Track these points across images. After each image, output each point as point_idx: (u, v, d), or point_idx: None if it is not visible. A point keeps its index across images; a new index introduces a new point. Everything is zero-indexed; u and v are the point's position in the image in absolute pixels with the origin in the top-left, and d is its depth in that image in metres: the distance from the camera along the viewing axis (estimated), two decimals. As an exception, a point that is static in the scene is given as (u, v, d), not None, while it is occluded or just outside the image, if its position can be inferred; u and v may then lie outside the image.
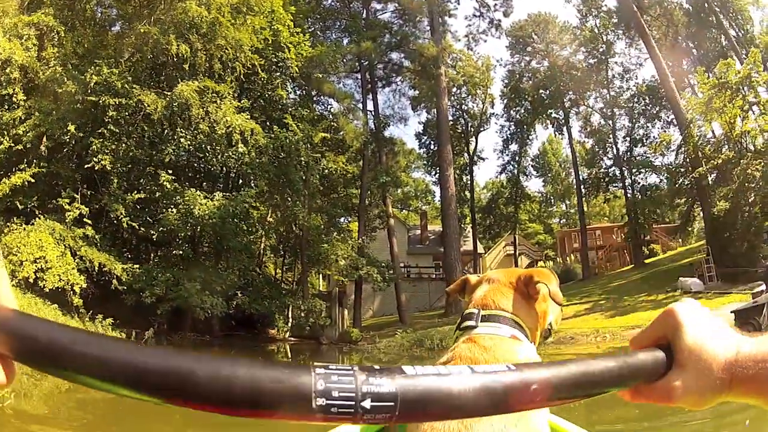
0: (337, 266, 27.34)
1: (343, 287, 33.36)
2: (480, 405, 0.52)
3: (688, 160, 27.78)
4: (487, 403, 0.53)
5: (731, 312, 13.14)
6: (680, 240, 39.64)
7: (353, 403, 0.47)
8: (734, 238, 23.66)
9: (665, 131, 34.43)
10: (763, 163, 22.18)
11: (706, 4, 33.06)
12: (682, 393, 0.62)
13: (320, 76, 28.28)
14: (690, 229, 34.19)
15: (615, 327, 19.45)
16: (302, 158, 24.57)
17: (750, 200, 23.42)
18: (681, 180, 29.90)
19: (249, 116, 23.35)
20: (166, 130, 22.11)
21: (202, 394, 0.44)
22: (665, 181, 36.75)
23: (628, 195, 38.13)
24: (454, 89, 40.19)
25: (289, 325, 25.89)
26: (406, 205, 56.94)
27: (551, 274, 1.38)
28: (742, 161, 23.50)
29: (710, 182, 26.59)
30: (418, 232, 45.18)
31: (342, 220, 31.95)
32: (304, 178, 25.12)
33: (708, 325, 0.65)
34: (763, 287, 15.28)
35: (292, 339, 25.91)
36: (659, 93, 35.14)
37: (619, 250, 41.50)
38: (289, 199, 26.01)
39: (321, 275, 35.31)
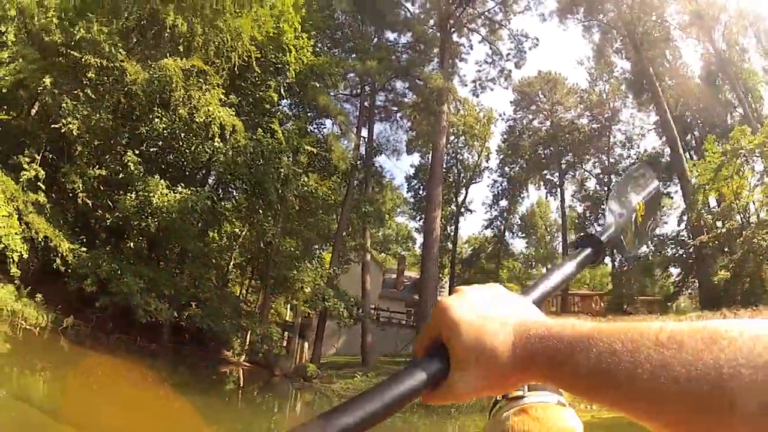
0: (302, 294, 25.39)
1: (308, 319, 31.32)
2: None
3: (689, 227, 27.83)
4: None
5: None
6: (658, 313, 39.05)
7: None
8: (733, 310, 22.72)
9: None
10: None
11: (718, 81, 32.77)
12: (466, 391, 0.58)
13: (317, 86, 26.53)
14: (670, 303, 33.98)
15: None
16: (282, 170, 22.76)
17: (751, 270, 22.98)
18: (677, 249, 30.06)
19: (234, 113, 21.79)
20: (143, 107, 20.67)
21: None
22: (653, 251, 36.08)
23: (615, 263, 36.99)
24: (452, 137, 39.58)
25: (246, 349, 24.08)
26: (385, 248, 55.49)
27: None
28: (744, 232, 23.33)
29: (710, 252, 26.13)
30: (394, 275, 43.90)
31: (315, 247, 30.19)
32: (280, 192, 23.26)
33: (486, 312, 0.59)
34: None
35: (246, 364, 23.83)
36: (660, 164, 34.56)
37: (599, 318, 39.81)
38: (261, 212, 24.29)
39: (288, 305, 33.17)
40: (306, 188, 25.05)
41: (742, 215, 25.00)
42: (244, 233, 26.62)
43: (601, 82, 40.18)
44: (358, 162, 30.18)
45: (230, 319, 22.23)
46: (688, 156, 34.62)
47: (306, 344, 28.69)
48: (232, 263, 27.54)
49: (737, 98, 31.53)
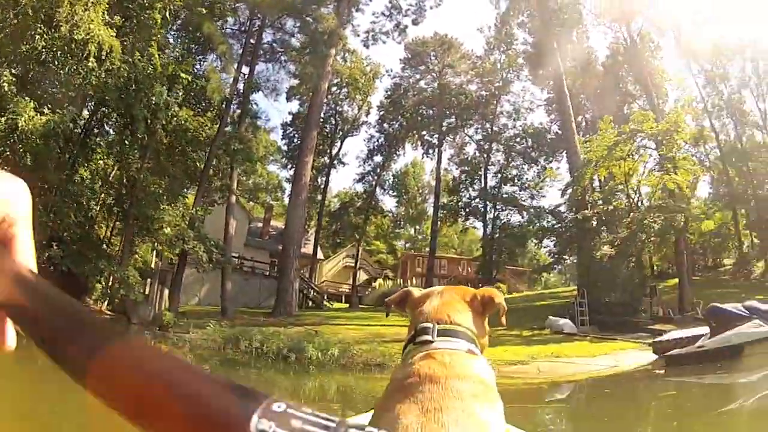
0: (163, 235, 23.61)
1: (172, 266, 29.08)
2: None
3: (572, 201, 28.04)
4: None
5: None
6: (527, 284, 40.74)
7: None
8: (615, 287, 23.81)
9: (540, 175, 35.07)
10: (663, 217, 22.25)
11: (622, 72, 33.93)
12: None
13: (204, 11, 24.34)
14: (538, 276, 35.50)
15: (488, 359, 17.42)
16: (154, 99, 21.02)
17: (637, 251, 23.99)
18: (556, 222, 30.62)
19: (115, 34, 19.90)
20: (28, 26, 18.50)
21: None
22: (528, 221, 37.65)
23: (488, 230, 37.77)
24: (335, 88, 38.65)
25: (107, 295, 22.25)
26: (254, 197, 53.19)
27: (502, 296, 1.48)
28: (633, 213, 23.97)
29: (592, 227, 26.51)
30: (260, 225, 42.11)
31: (181, 186, 27.76)
32: (150, 123, 21.53)
33: None
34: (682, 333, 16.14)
35: (108, 312, 21.85)
36: (545, 139, 35.45)
37: (464, 282, 40.92)
38: (128, 143, 22.32)
39: (155, 252, 30.78)
40: (177, 122, 23.53)
41: (631, 197, 25.71)
42: (113, 172, 24.57)
43: (498, 52, 40.05)
44: (234, 97, 28.62)
45: (92, 262, 20.48)
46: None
47: (167, 292, 26.80)
48: (99, 203, 25.17)
49: (644, 90, 32.38)
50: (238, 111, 29.87)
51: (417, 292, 1.52)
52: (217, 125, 27.40)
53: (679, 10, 33.33)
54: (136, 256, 26.14)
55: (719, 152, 33.69)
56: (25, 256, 0.49)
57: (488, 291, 1.45)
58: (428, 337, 1.25)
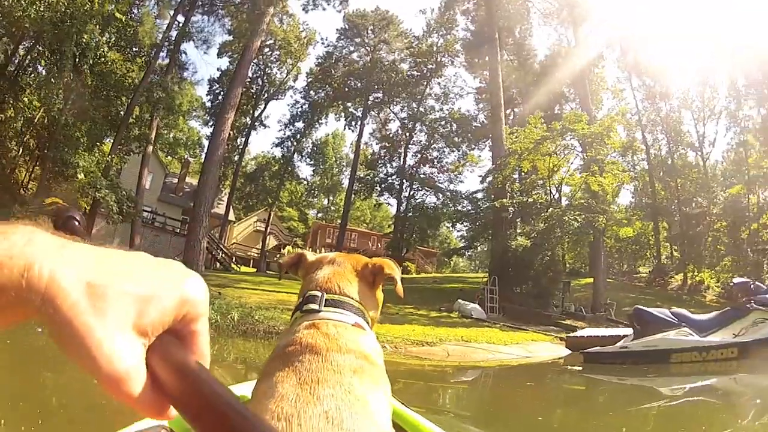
0: (77, 182, 22.49)
1: (86, 216, 27.58)
2: None
3: (491, 188, 28.32)
4: None
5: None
6: (435, 266, 41.41)
7: None
8: (528, 278, 24.09)
9: (460, 160, 35.74)
10: (584, 216, 22.58)
11: (559, 73, 34.86)
12: None
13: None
14: (447, 259, 36.19)
15: (395, 337, 16.88)
16: (85, 36, 20.32)
17: (552, 245, 24.20)
18: (472, 207, 30.84)
19: None
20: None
21: None
22: (443, 204, 37.97)
23: (401, 208, 38.12)
24: (267, 49, 37.88)
25: None
26: (173, 152, 51.20)
27: (396, 266, 1.43)
28: (552, 209, 24.30)
29: (510, 216, 27.08)
30: (176, 181, 40.83)
31: (100, 132, 26.40)
32: (78, 63, 20.72)
33: None
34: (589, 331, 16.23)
35: None
36: (470, 127, 35.97)
37: (372, 257, 41.47)
38: (54, 82, 20.92)
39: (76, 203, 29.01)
40: (105, 64, 22.91)
41: (551, 193, 26.41)
42: (39, 113, 23.21)
43: (436, 35, 40.27)
44: (165, 45, 27.66)
45: (6, 206, 19.32)
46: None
47: (76, 245, 25.39)
48: (21, 145, 24.00)
49: (578, 94, 33.01)
50: (167, 61, 28.72)
51: (311, 256, 1.50)
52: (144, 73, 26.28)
53: (630, 23, 34.49)
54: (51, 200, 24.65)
55: (647, 164, 35.42)
56: (203, 352, 0.51)
57: (380, 260, 1.43)
58: (315, 306, 1.24)
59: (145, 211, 29.77)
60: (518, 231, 25.51)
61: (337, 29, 43.67)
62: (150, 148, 28.15)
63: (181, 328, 0.49)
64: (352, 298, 1.28)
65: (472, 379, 12.77)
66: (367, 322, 1.27)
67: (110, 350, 0.40)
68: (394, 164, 41.09)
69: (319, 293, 1.26)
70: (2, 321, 0.42)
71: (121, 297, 0.43)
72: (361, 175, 42.18)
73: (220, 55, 37.55)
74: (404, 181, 39.60)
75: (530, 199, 25.61)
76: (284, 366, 1.05)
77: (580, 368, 13.96)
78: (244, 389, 1.68)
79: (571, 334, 17.19)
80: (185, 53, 34.33)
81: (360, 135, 41.78)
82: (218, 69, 40.76)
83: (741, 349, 11.71)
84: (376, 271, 1.38)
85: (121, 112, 26.12)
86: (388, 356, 14.06)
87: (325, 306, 1.23)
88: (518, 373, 13.67)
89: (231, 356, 11.55)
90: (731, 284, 18.30)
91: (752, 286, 13.04)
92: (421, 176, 40.14)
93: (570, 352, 16.00)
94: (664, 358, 12.38)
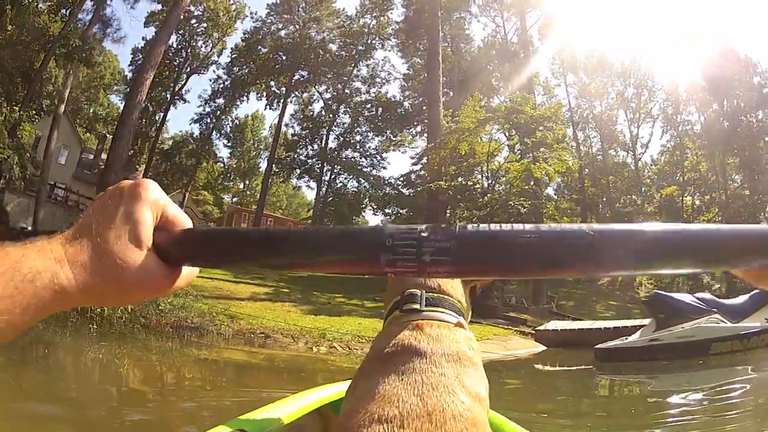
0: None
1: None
2: (544, 261, 0.50)
3: (426, 170, 28.20)
4: (550, 262, 0.51)
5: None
6: None
7: (414, 257, 0.50)
8: None
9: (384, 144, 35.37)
10: (530, 202, 22.53)
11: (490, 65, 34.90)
12: None
13: None
14: None
15: (344, 334, 15.04)
16: None
17: None
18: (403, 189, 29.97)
19: None
20: None
21: None
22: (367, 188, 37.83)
23: (321, 192, 37.69)
24: (194, 21, 36.98)
25: None
26: (92, 127, 48.02)
27: None
28: (488, 195, 24.28)
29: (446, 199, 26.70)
30: (92, 157, 38.54)
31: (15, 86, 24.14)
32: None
33: None
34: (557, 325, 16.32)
35: None
36: (395, 113, 35.59)
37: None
38: None
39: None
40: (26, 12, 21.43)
41: (488, 178, 26.23)
42: None
43: (369, 16, 39.77)
44: None
45: None
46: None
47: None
48: None
49: (507, 87, 33.15)
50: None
51: None
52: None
53: (571, 18, 35.16)
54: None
55: (578, 160, 36.17)
56: (184, 222, 0.59)
57: None
58: (416, 306, 1.10)
59: (59, 187, 28.31)
60: (456, 217, 25.19)
61: (267, 4, 42.17)
62: (62, 107, 26.17)
63: (165, 222, 0.58)
64: (452, 296, 1.15)
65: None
66: (466, 320, 1.16)
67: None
68: (315, 147, 40.56)
69: (418, 292, 1.13)
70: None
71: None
72: (281, 157, 41.13)
73: (147, 24, 35.87)
74: (325, 164, 39.05)
75: (469, 183, 25.48)
76: (385, 367, 0.97)
77: (577, 368, 13.36)
78: (338, 387, 1.60)
79: (540, 328, 16.97)
80: (110, 5, 32.18)
81: (282, 114, 40.83)
82: (143, 38, 38.49)
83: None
84: None
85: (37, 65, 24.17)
86: (339, 359, 12.97)
87: (426, 305, 1.10)
88: (519, 374, 13.03)
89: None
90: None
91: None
92: (343, 160, 39.55)
93: (544, 347, 15.60)
94: (703, 350, 11.33)
